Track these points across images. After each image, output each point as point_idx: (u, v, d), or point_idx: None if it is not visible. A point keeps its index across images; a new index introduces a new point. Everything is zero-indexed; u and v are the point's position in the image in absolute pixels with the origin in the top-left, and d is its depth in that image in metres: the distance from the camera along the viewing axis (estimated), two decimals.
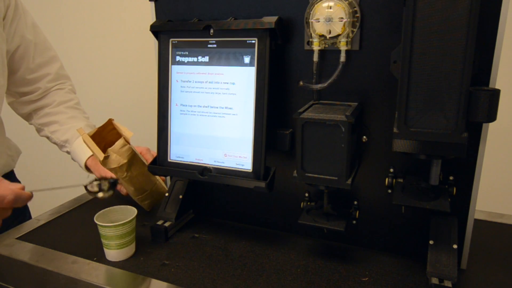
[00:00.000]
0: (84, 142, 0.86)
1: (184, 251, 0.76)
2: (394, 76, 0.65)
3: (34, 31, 0.98)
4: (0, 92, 0.90)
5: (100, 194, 0.77)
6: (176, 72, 0.78)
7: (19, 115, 1.07)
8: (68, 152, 1.03)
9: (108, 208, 0.76)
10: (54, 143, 1.04)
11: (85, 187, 0.77)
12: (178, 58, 0.77)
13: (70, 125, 1.01)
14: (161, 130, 0.80)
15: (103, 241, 0.72)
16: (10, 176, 1.04)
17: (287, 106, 0.75)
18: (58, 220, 0.90)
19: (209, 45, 0.74)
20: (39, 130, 1.06)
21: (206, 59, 0.75)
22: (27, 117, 1.06)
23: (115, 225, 0.70)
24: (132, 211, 0.75)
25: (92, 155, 0.97)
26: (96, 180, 0.78)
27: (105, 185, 0.78)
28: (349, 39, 0.66)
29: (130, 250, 0.74)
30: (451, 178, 0.66)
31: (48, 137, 1.04)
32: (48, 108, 1.03)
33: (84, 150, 0.98)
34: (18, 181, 1.06)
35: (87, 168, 1.00)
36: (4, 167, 0.99)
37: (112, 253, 0.72)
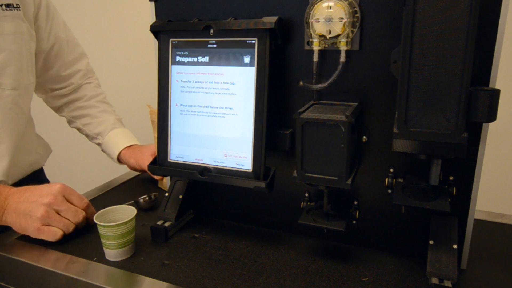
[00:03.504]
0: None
1: (184, 251, 0.76)
2: (394, 76, 0.65)
3: (65, 29, 1.04)
4: (29, 90, 0.93)
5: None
6: (176, 72, 0.78)
7: (51, 108, 1.13)
8: (98, 144, 1.11)
9: (107, 208, 0.76)
10: (85, 134, 1.12)
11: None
12: (178, 58, 0.77)
13: (102, 118, 1.10)
14: (161, 130, 0.80)
15: (103, 241, 0.72)
16: (39, 175, 1.06)
17: (287, 106, 0.75)
18: None
19: (209, 45, 0.74)
20: (70, 122, 1.13)
21: (206, 59, 0.75)
22: (58, 109, 1.13)
23: (115, 224, 0.70)
24: (132, 211, 0.74)
25: (125, 147, 1.06)
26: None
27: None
28: (349, 39, 0.66)
29: (130, 250, 0.74)
30: (451, 178, 0.66)
31: (79, 129, 1.12)
32: (79, 102, 1.10)
33: (117, 143, 1.07)
34: (48, 180, 1.10)
35: (119, 160, 1.09)
36: (32, 164, 1.00)
37: (112, 253, 0.72)
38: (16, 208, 0.75)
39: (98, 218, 0.73)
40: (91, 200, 0.99)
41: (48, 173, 1.10)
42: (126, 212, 0.76)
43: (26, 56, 0.89)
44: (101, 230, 0.71)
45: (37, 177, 1.04)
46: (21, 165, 0.94)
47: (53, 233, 0.75)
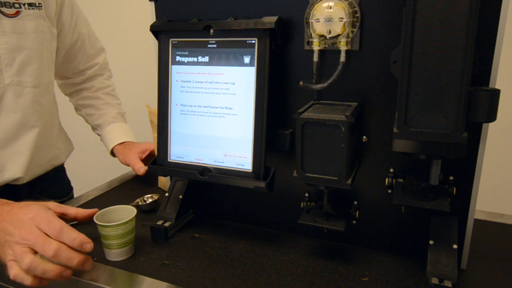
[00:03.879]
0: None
1: (184, 251, 0.76)
2: (394, 76, 0.65)
3: (87, 24, 1.07)
4: (49, 88, 0.94)
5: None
6: (176, 72, 0.78)
7: (63, 93, 1.16)
8: (98, 135, 1.14)
9: (107, 208, 0.75)
10: (88, 123, 1.15)
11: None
12: (178, 58, 0.77)
13: (104, 111, 1.12)
14: (161, 130, 0.80)
15: (103, 241, 0.72)
16: (61, 172, 1.09)
17: (287, 106, 0.75)
18: None
19: (209, 45, 0.74)
20: (76, 109, 1.16)
21: (206, 59, 0.75)
22: (69, 95, 1.16)
23: (115, 224, 0.70)
24: (132, 211, 0.74)
25: (118, 143, 1.07)
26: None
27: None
28: (349, 39, 0.66)
29: (130, 250, 0.74)
30: (451, 178, 0.66)
31: (84, 117, 1.15)
32: (87, 92, 1.13)
33: (112, 138, 1.09)
34: (68, 180, 1.13)
35: (112, 154, 1.10)
36: (52, 160, 1.00)
37: (112, 253, 0.72)
38: None
39: (98, 218, 0.72)
40: (90, 200, 1.00)
41: (69, 172, 1.13)
42: (126, 212, 0.75)
43: (46, 55, 0.91)
44: (101, 230, 0.71)
45: (58, 176, 1.06)
46: (40, 160, 0.94)
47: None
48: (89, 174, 1.79)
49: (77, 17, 1.01)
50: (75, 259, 0.59)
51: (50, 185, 1.02)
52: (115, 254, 0.72)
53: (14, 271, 0.59)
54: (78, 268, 0.60)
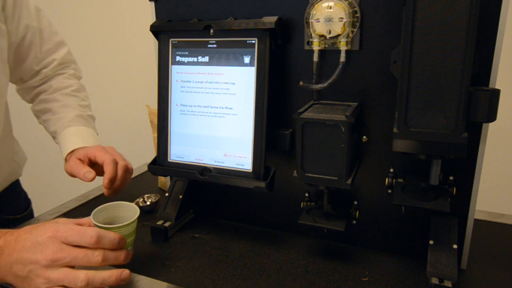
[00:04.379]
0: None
1: (184, 251, 0.76)
2: (394, 76, 0.65)
3: (39, 16, 0.90)
4: (1, 92, 0.83)
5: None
6: (176, 72, 0.78)
7: (24, 100, 1.01)
8: (58, 144, 0.92)
9: (106, 204, 0.69)
10: (47, 132, 0.95)
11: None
12: (178, 58, 0.77)
13: (60, 114, 0.92)
14: (161, 130, 0.80)
15: None
16: (16, 186, 0.98)
17: (287, 106, 0.75)
18: None
19: (209, 45, 0.74)
20: (36, 117, 0.99)
21: (206, 59, 0.75)
22: (29, 101, 1.00)
23: (115, 227, 0.64)
24: (134, 211, 0.68)
25: (74, 150, 0.86)
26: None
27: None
28: (349, 39, 0.66)
29: (131, 250, 0.70)
30: (451, 178, 0.66)
31: (43, 125, 0.97)
32: (44, 95, 0.95)
33: (66, 144, 0.87)
34: (25, 192, 1.01)
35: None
36: (10, 176, 0.91)
37: None
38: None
39: (96, 216, 0.66)
40: (90, 200, 1.00)
41: (24, 184, 1.01)
42: (126, 210, 0.69)
43: None
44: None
45: (14, 190, 0.95)
46: None
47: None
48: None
49: (20, 8, 0.85)
50: (121, 255, 0.59)
51: (7, 201, 0.92)
52: None
53: None
54: (125, 263, 0.60)
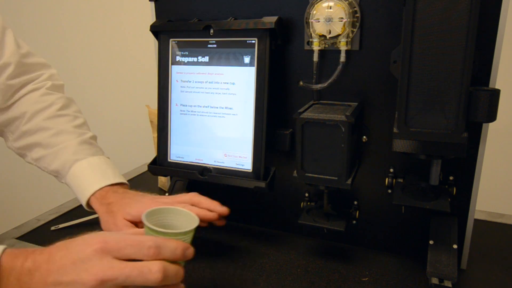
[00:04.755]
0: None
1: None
2: (394, 76, 0.65)
3: None
4: None
5: None
6: (176, 72, 0.78)
7: None
8: (64, 183, 0.74)
9: (158, 208, 0.54)
10: (44, 171, 0.75)
11: None
12: (178, 58, 0.77)
13: (57, 147, 0.72)
14: (161, 130, 0.80)
15: None
16: None
17: (287, 106, 0.75)
18: (58, 220, 0.90)
19: (209, 45, 0.74)
20: (21, 156, 0.76)
21: (206, 59, 0.75)
22: (2, 135, 0.77)
23: (175, 233, 0.49)
24: (192, 219, 0.54)
25: (97, 191, 0.68)
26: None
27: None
28: (349, 39, 0.66)
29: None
30: (451, 178, 0.66)
31: (34, 165, 0.75)
32: (21, 125, 0.73)
33: (83, 186, 0.70)
34: None
35: (90, 206, 0.70)
36: None
37: None
38: None
39: (148, 218, 0.51)
40: None
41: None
42: (182, 217, 0.55)
43: None
44: (153, 234, 0.50)
45: None
46: None
47: None
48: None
49: None
50: (181, 271, 0.47)
51: None
52: None
53: None
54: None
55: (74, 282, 0.43)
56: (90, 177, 0.70)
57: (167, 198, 0.66)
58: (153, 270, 0.44)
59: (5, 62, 0.70)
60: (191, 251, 0.48)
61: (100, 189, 0.68)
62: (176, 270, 0.46)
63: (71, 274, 0.43)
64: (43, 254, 0.46)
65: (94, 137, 0.77)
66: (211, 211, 0.63)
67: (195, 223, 0.52)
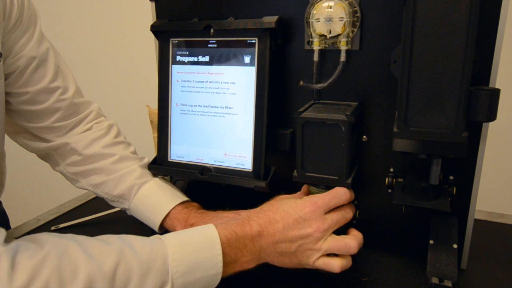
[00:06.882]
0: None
1: None
2: (394, 76, 0.65)
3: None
4: None
5: None
6: (176, 72, 0.78)
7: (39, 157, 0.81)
8: (125, 209, 0.77)
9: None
10: (100, 196, 0.78)
11: None
12: (178, 58, 0.77)
13: (122, 172, 0.75)
14: (161, 130, 0.80)
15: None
16: None
17: (287, 106, 0.75)
18: (58, 220, 0.90)
19: (209, 45, 0.74)
20: (72, 181, 0.79)
21: (207, 58, 0.75)
22: (45, 158, 0.80)
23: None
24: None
25: (175, 206, 0.72)
26: None
27: None
28: (349, 39, 0.66)
29: None
30: (451, 177, 0.66)
31: (89, 190, 0.78)
32: (79, 150, 0.75)
33: (156, 206, 0.73)
34: (3, 209, 0.91)
35: (163, 227, 0.74)
36: None
37: None
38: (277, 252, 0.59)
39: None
40: (90, 200, 1.00)
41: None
42: None
43: None
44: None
45: None
46: None
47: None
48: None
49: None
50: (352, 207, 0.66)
51: None
52: None
53: (344, 262, 0.60)
54: None
55: (300, 235, 0.57)
56: (161, 198, 0.74)
57: (247, 212, 0.68)
58: (347, 211, 0.62)
59: (53, 107, 0.73)
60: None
61: (174, 207, 0.73)
62: (351, 207, 0.65)
63: (296, 230, 0.57)
64: (263, 219, 0.59)
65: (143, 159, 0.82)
66: None
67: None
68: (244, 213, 0.66)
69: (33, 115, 0.72)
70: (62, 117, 0.74)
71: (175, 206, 0.73)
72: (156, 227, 0.73)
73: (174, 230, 0.70)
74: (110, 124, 0.81)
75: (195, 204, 0.77)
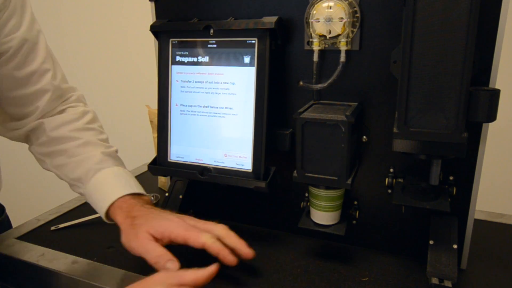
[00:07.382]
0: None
1: (184, 251, 0.76)
2: (394, 76, 0.65)
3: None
4: None
5: None
6: (176, 72, 0.78)
7: (13, 140, 0.80)
8: (81, 194, 0.76)
9: None
10: (63, 179, 0.78)
11: None
12: (178, 58, 0.77)
13: (82, 156, 0.74)
14: (161, 130, 0.80)
15: (312, 200, 0.70)
16: None
17: (287, 106, 0.75)
18: (58, 220, 0.90)
19: (209, 45, 0.74)
20: (40, 161, 0.79)
21: (206, 59, 0.75)
22: (25, 140, 0.80)
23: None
24: None
25: (113, 203, 0.68)
26: None
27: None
28: (349, 39, 0.66)
29: (336, 215, 0.71)
30: (451, 178, 0.66)
31: (53, 172, 0.78)
32: (48, 131, 0.75)
33: (103, 193, 0.70)
34: (2, 206, 0.91)
35: (108, 217, 0.71)
36: None
37: (319, 214, 0.70)
38: None
39: None
40: (85, 202, 0.99)
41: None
42: None
43: None
44: (313, 190, 0.69)
45: None
46: None
47: None
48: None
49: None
50: None
51: None
52: (320, 216, 0.70)
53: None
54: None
55: None
56: (112, 185, 0.71)
57: (194, 220, 0.66)
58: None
59: (44, 88, 0.74)
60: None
61: (122, 197, 0.69)
62: None
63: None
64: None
65: (117, 152, 0.80)
66: (235, 250, 0.64)
67: None
68: (189, 220, 0.67)
69: (23, 99, 0.72)
70: (50, 100, 0.75)
71: (124, 195, 0.69)
72: (102, 214, 0.70)
73: (115, 219, 0.68)
74: (85, 111, 0.80)
75: (146, 198, 0.73)
